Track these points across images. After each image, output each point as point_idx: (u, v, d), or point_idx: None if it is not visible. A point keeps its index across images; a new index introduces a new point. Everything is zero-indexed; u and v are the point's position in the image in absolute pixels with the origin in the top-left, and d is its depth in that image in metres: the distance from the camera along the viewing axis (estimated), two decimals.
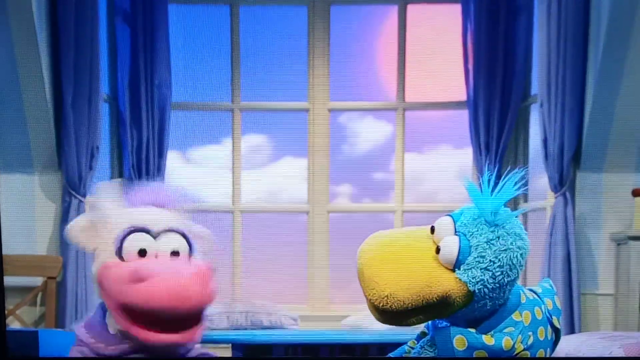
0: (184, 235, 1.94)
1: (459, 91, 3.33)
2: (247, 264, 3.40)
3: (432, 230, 1.81)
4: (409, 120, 3.44)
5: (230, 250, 3.42)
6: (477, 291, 1.72)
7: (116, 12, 3.26)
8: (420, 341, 1.88)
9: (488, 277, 1.70)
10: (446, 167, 3.38)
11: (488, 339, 1.76)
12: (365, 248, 1.79)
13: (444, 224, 1.81)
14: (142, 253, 1.86)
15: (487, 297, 1.73)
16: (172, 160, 3.37)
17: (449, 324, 1.80)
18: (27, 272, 2.93)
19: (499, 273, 1.72)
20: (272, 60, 3.40)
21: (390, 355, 2.03)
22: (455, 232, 1.76)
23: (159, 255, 1.87)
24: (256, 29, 3.39)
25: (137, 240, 1.88)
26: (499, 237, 1.76)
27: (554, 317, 1.93)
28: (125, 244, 1.86)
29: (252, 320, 3.15)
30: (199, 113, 3.43)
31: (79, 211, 3.07)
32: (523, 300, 1.90)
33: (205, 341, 2.93)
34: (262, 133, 3.44)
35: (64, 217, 3.06)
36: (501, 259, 1.73)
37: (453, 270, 1.71)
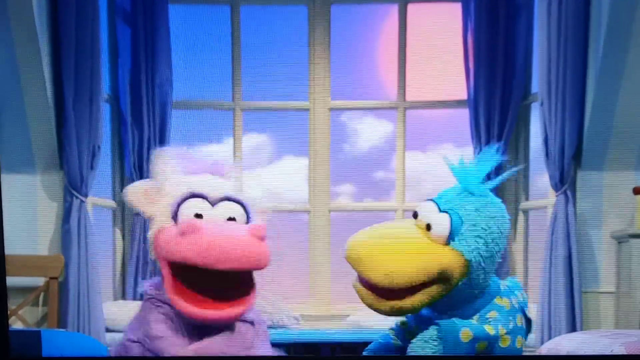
0: (241, 204, 1.91)
1: (459, 90, 3.33)
2: None
3: (415, 215, 1.87)
4: (410, 119, 3.44)
5: None
6: (473, 260, 1.79)
7: (117, 11, 3.27)
8: (420, 335, 1.90)
9: (481, 244, 1.79)
10: (447, 165, 3.38)
11: (490, 329, 1.81)
12: (357, 240, 1.83)
13: (427, 206, 1.89)
14: (198, 218, 1.84)
15: (481, 266, 1.81)
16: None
17: (434, 314, 1.84)
18: (29, 272, 2.93)
19: (490, 240, 1.81)
20: (272, 60, 3.40)
21: (372, 344, 2.06)
22: (440, 211, 1.83)
23: (216, 222, 1.85)
24: (257, 28, 3.39)
25: (193, 206, 1.86)
26: (486, 205, 1.86)
27: (525, 309, 2.00)
28: (182, 209, 1.85)
29: None
30: (200, 112, 3.43)
31: (81, 211, 3.08)
32: (502, 288, 1.97)
33: None
34: (263, 132, 3.45)
35: (66, 217, 3.06)
36: (491, 226, 1.82)
37: (447, 244, 1.78)
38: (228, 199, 1.91)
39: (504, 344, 1.89)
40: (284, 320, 3.10)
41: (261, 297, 3.11)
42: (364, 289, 1.87)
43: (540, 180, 3.25)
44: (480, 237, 1.83)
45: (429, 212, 1.88)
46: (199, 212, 1.86)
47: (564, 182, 3.05)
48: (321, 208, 3.45)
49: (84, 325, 3.04)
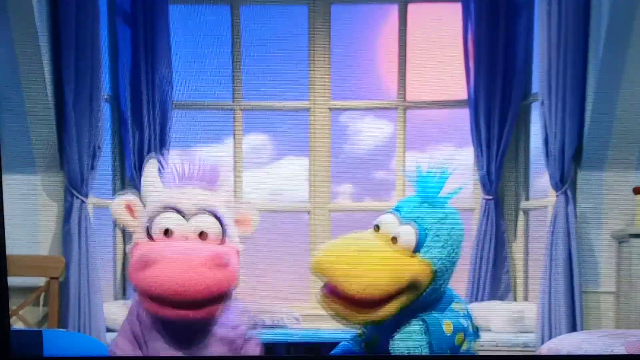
0: (216, 217, 1.89)
1: (459, 90, 3.33)
2: (247, 262, 3.40)
3: (377, 228, 1.91)
4: (410, 119, 3.44)
5: None
6: (438, 269, 1.88)
7: (117, 12, 3.27)
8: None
9: (445, 253, 1.89)
10: (447, 165, 3.38)
11: (464, 321, 1.89)
12: (325, 256, 1.87)
13: (388, 219, 1.94)
14: (168, 233, 1.84)
15: (445, 275, 1.93)
16: (174, 159, 3.37)
17: (397, 322, 1.90)
18: (30, 272, 2.93)
19: (451, 249, 1.94)
20: (273, 60, 3.40)
21: (337, 349, 2.08)
22: (402, 223, 1.89)
23: (188, 236, 1.84)
24: (257, 28, 3.39)
25: (165, 220, 1.85)
26: (446, 216, 1.93)
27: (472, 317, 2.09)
28: (153, 224, 1.84)
29: (252, 319, 3.15)
30: (200, 112, 3.43)
31: (81, 211, 3.08)
32: (455, 295, 2.05)
33: None
34: (263, 132, 3.45)
35: (66, 217, 3.07)
36: (452, 236, 1.93)
37: (414, 255, 1.85)
38: (202, 211, 1.89)
39: (464, 347, 1.96)
40: (284, 320, 3.11)
41: (262, 297, 3.12)
42: (337, 300, 1.90)
43: (541, 180, 3.25)
44: (444, 247, 1.94)
45: (392, 224, 1.93)
46: (169, 227, 1.85)
47: (564, 182, 3.06)
48: (321, 208, 3.45)
49: (85, 325, 3.04)
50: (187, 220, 1.87)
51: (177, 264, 1.78)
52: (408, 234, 1.91)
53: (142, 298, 1.82)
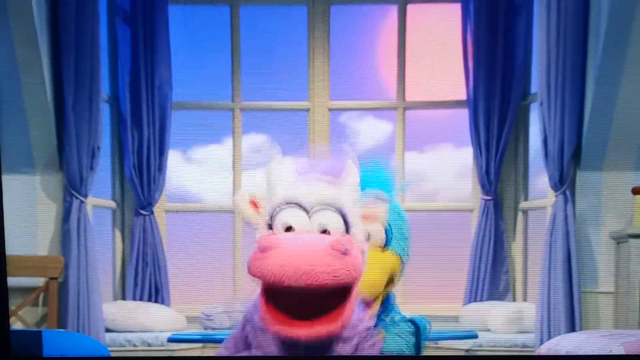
0: (341, 212, 1.84)
1: (459, 90, 3.34)
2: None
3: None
4: (409, 120, 3.44)
5: (231, 248, 3.42)
6: (405, 261, 1.96)
7: (117, 12, 3.27)
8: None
9: (407, 246, 1.96)
10: (446, 166, 3.39)
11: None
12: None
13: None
14: (290, 229, 1.79)
15: (405, 267, 1.97)
16: (173, 159, 3.37)
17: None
18: (29, 272, 2.93)
19: (408, 242, 2.00)
20: (272, 60, 3.41)
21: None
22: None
23: (309, 232, 1.78)
24: (256, 28, 3.39)
25: (287, 216, 1.80)
26: (398, 208, 2.02)
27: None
28: (276, 219, 1.81)
29: None
30: (199, 113, 3.44)
31: (80, 211, 3.08)
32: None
33: (206, 341, 2.94)
34: (262, 132, 3.45)
35: (65, 218, 3.07)
36: (408, 229, 1.99)
37: (385, 249, 1.90)
38: (326, 207, 1.83)
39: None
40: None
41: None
42: None
43: (540, 180, 3.25)
44: (405, 238, 1.99)
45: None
46: (290, 224, 1.80)
47: (563, 182, 3.06)
48: None
49: (84, 325, 3.04)
50: (309, 217, 1.82)
51: (298, 248, 1.72)
52: (379, 231, 1.95)
53: (267, 317, 1.76)
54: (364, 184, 1.94)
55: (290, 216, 1.81)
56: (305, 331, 1.74)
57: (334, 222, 1.81)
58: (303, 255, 1.70)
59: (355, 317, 1.83)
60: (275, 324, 1.75)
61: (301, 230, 1.79)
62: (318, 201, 1.82)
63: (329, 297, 1.74)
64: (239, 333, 1.92)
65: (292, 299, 1.72)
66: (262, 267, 1.71)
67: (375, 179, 1.99)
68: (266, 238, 1.76)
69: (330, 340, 1.79)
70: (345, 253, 1.72)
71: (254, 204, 1.88)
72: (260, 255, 1.72)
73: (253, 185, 1.95)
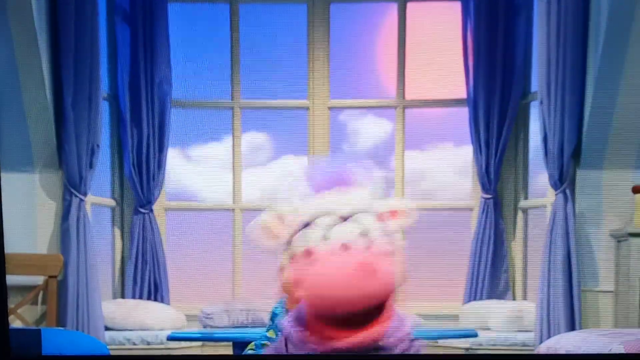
0: (361, 223, 1.81)
1: (458, 89, 3.33)
2: (247, 261, 3.40)
3: (349, 246, 1.90)
4: (409, 118, 3.44)
5: (231, 247, 3.42)
6: None
7: (116, 10, 3.26)
8: None
9: None
10: (446, 164, 3.39)
11: None
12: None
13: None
14: (310, 252, 1.78)
15: None
16: (173, 158, 3.37)
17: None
18: (28, 271, 2.93)
19: None
20: (272, 58, 3.41)
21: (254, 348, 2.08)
22: None
23: (332, 251, 1.76)
24: (256, 27, 3.39)
25: (305, 238, 1.79)
26: None
27: None
28: (296, 240, 1.79)
29: (253, 318, 3.16)
30: (199, 111, 3.43)
31: (80, 210, 3.08)
32: None
33: (205, 339, 2.94)
34: (262, 131, 3.45)
35: (65, 216, 3.06)
36: None
37: None
38: (343, 219, 1.81)
39: None
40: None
41: (261, 295, 3.12)
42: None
43: (539, 179, 3.25)
44: None
45: None
46: (309, 246, 1.79)
47: (563, 181, 3.06)
48: None
49: (83, 323, 3.04)
50: (329, 234, 1.80)
51: (328, 284, 1.72)
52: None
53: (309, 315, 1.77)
54: None
55: (309, 237, 1.80)
56: (347, 341, 1.74)
57: (349, 234, 1.79)
58: (333, 287, 1.70)
59: (396, 323, 1.81)
60: (316, 336, 1.76)
61: (322, 249, 1.78)
62: (335, 215, 1.81)
63: (369, 310, 1.74)
64: (281, 349, 1.92)
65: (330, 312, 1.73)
66: (298, 296, 1.73)
67: None
68: (296, 271, 1.75)
69: (372, 348, 1.79)
70: (375, 270, 1.71)
71: (278, 222, 1.87)
72: (294, 290, 1.73)
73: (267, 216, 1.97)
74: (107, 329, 3.12)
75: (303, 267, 1.73)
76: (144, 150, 3.30)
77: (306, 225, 1.79)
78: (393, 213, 1.85)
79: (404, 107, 3.43)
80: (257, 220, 1.86)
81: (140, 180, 3.31)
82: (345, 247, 1.75)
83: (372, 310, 1.73)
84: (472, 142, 3.30)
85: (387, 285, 1.72)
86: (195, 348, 3.05)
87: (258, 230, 1.84)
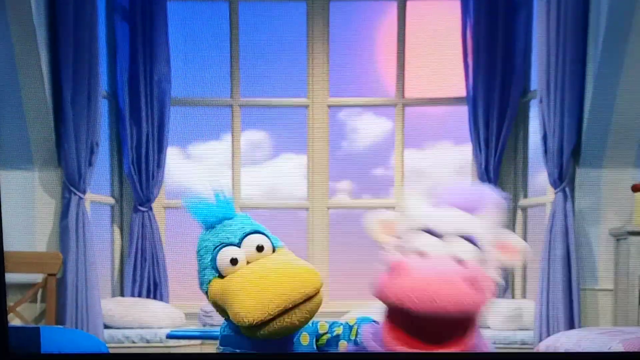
0: (471, 242, 1.81)
1: (458, 87, 3.33)
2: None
3: (261, 249, 1.93)
4: (409, 116, 3.44)
5: None
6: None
7: (115, 8, 3.26)
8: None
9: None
10: (446, 163, 3.39)
11: None
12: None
13: (265, 239, 1.96)
14: (422, 255, 1.78)
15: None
16: (172, 156, 3.37)
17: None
18: (27, 268, 2.93)
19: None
20: (271, 56, 3.40)
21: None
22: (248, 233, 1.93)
23: (441, 259, 1.77)
24: (255, 24, 3.39)
25: (420, 241, 1.79)
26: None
27: None
28: (409, 243, 1.80)
29: None
30: (198, 109, 3.43)
31: (79, 207, 3.07)
32: None
33: (205, 337, 2.94)
34: (261, 129, 3.44)
35: (64, 214, 3.06)
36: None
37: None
38: (461, 236, 1.82)
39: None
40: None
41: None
42: None
43: (539, 177, 3.25)
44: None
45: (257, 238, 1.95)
46: (423, 249, 1.80)
47: (562, 179, 3.06)
48: (320, 205, 3.45)
49: (82, 321, 3.04)
50: (443, 244, 1.81)
51: (427, 280, 1.72)
52: (264, 240, 1.94)
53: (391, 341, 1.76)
54: (206, 217, 1.97)
55: (423, 242, 1.80)
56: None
57: (468, 253, 1.80)
58: (432, 283, 1.69)
59: (477, 343, 1.82)
60: (397, 346, 1.76)
61: (433, 257, 1.78)
62: (453, 229, 1.81)
63: (453, 325, 1.73)
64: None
65: (416, 324, 1.72)
66: (388, 290, 1.71)
67: (216, 210, 2.01)
68: (397, 262, 1.75)
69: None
70: (475, 285, 1.71)
71: (386, 227, 1.88)
72: (388, 278, 1.72)
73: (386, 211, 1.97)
74: (106, 327, 3.12)
75: (415, 268, 1.73)
76: (143, 148, 3.30)
77: (422, 230, 1.80)
78: (506, 247, 1.86)
79: (404, 105, 3.43)
80: (377, 214, 1.90)
81: (139, 178, 3.31)
82: (458, 259, 1.76)
83: (454, 326, 1.74)
84: (472, 141, 3.30)
85: (481, 303, 1.73)
86: (194, 346, 3.05)
87: (375, 223, 1.87)
